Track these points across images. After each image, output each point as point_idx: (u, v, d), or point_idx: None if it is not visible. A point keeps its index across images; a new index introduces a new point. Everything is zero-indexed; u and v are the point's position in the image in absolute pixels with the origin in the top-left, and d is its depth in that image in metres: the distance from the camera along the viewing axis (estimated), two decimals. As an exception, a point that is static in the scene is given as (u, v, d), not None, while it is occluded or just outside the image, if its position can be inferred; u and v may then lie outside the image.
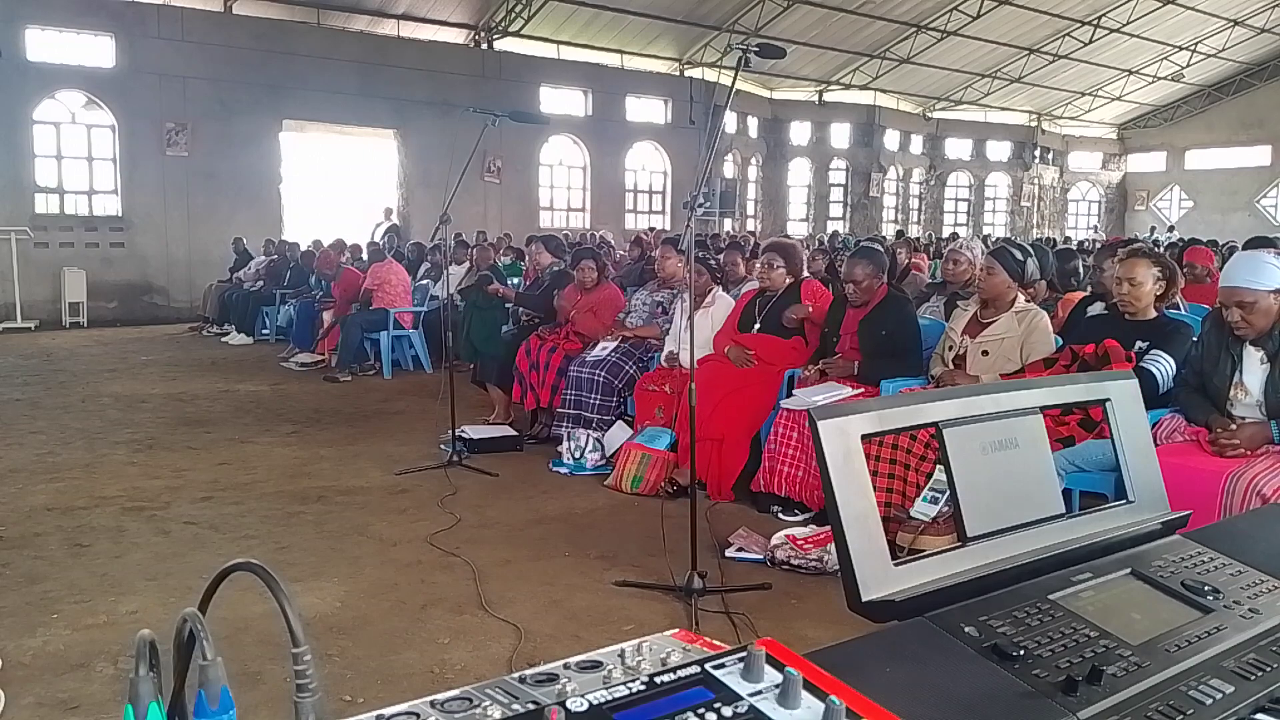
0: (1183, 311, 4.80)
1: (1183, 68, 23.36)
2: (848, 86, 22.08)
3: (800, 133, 22.40)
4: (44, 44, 13.05)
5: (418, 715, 0.67)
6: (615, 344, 5.60)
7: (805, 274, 5.35)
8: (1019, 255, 4.18)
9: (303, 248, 12.45)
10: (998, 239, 13.60)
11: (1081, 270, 6.37)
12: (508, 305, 7.08)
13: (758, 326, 5.02)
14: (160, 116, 13.67)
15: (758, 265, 5.34)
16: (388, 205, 16.21)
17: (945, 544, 1.07)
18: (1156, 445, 3.00)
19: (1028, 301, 4.27)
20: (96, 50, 13.40)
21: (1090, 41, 21.10)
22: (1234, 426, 3.05)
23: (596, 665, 0.75)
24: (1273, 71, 24.30)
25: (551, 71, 17.80)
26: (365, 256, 10.99)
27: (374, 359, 8.77)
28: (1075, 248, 9.42)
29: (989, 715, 0.84)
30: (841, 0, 17.81)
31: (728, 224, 20.16)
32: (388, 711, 0.67)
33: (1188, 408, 3.29)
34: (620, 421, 5.33)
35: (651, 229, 16.62)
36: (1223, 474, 2.85)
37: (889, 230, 21.57)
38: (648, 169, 19.85)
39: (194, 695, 0.67)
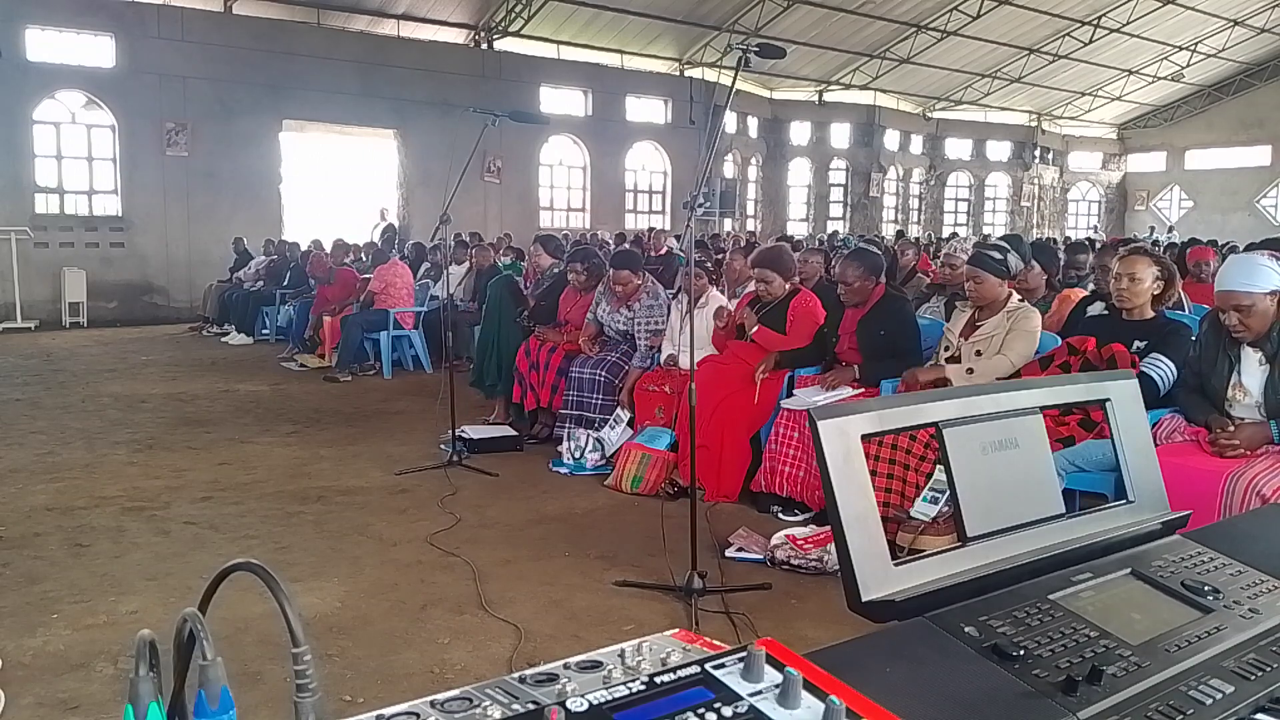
0: (1186, 311, 4.81)
1: (1183, 68, 23.36)
2: (848, 86, 22.07)
3: (800, 133, 22.40)
4: (44, 44, 13.05)
5: (418, 715, 0.67)
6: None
7: (798, 280, 5.24)
8: (997, 256, 4.16)
9: (303, 248, 12.48)
10: (991, 240, 13.55)
11: (1087, 266, 6.42)
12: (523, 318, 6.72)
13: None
14: (160, 116, 13.66)
15: (752, 282, 5.29)
16: (383, 205, 16.19)
17: (945, 544, 1.07)
18: (1156, 445, 3.00)
19: (1021, 301, 4.25)
20: (96, 50, 13.39)
21: (1090, 41, 21.10)
22: (1233, 427, 3.05)
23: (596, 665, 0.75)
24: (1273, 71, 24.30)
25: (551, 71, 17.80)
26: (366, 257, 11.00)
27: (374, 359, 8.77)
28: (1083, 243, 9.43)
29: (989, 715, 0.84)
30: (841, 0, 17.81)
31: (728, 224, 20.16)
32: (388, 711, 0.67)
33: (1187, 408, 3.29)
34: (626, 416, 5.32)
35: (651, 229, 16.61)
36: (1222, 474, 2.85)
37: (889, 230, 21.57)
38: (648, 169, 19.85)
39: (194, 695, 0.67)
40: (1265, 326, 3.05)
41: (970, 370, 4.02)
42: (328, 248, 11.30)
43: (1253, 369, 3.10)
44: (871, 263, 4.70)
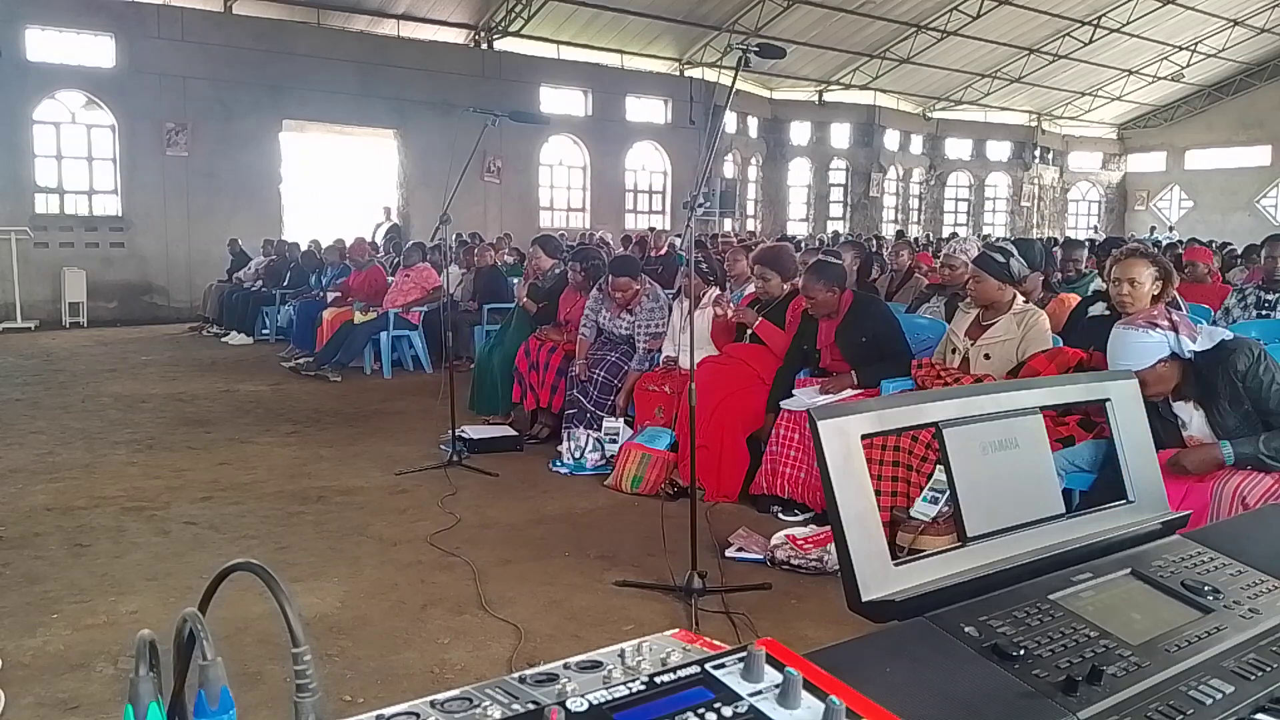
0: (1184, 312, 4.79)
1: (1183, 68, 23.36)
2: (848, 86, 22.08)
3: (800, 133, 22.40)
4: (44, 44, 13.05)
5: (418, 715, 0.67)
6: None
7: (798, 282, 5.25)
8: (1000, 258, 4.14)
9: (303, 248, 12.47)
10: (996, 240, 13.56)
11: (1084, 262, 6.46)
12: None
13: (750, 333, 5.02)
14: (160, 116, 13.66)
15: (751, 284, 5.27)
16: (386, 205, 16.19)
17: (945, 544, 1.07)
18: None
19: (1026, 302, 4.26)
20: (96, 50, 13.39)
21: (1090, 41, 21.10)
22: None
23: (596, 665, 0.75)
24: (1273, 71, 24.30)
25: (551, 71, 17.80)
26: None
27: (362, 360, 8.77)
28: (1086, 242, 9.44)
29: (989, 715, 0.84)
30: (841, 0, 17.82)
31: (728, 224, 20.16)
32: (388, 711, 0.67)
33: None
34: (620, 421, 5.33)
35: (651, 229, 16.61)
36: (1209, 482, 2.84)
37: (889, 230, 21.56)
38: (648, 169, 19.85)
39: (194, 695, 0.67)
40: (1170, 387, 2.89)
41: (987, 356, 4.04)
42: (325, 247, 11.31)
43: (1193, 420, 2.95)
44: (833, 273, 4.67)
